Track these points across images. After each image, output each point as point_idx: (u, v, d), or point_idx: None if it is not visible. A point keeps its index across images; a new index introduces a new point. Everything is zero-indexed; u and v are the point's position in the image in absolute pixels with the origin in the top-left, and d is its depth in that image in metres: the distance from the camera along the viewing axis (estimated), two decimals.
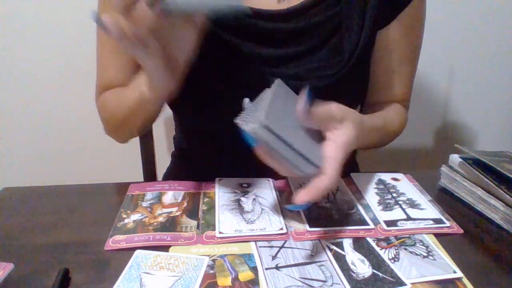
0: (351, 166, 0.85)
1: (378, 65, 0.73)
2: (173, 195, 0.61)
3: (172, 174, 0.86)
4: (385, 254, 0.50)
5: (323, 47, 0.65)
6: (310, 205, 0.47)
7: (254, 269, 0.46)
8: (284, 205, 0.57)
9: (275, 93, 0.51)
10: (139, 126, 0.70)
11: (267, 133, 0.44)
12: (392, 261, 0.49)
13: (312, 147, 0.49)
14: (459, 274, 0.47)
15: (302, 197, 0.46)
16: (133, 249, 0.49)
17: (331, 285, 0.45)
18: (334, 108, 0.50)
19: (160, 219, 0.55)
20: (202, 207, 0.58)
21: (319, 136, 0.50)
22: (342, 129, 0.50)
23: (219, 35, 0.63)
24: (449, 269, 0.48)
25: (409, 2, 0.67)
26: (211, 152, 0.76)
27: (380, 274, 0.46)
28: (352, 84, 0.68)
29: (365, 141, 0.61)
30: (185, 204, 0.58)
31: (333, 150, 0.49)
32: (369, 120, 0.62)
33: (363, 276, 0.46)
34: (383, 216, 0.57)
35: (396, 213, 0.58)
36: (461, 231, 0.55)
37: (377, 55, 0.71)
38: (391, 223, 0.55)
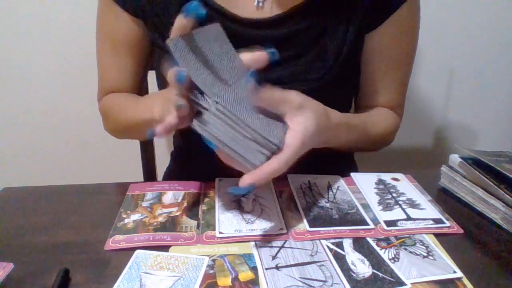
0: (349, 165, 0.85)
1: (366, 69, 0.72)
2: (173, 195, 0.61)
3: (172, 174, 0.86)
4: (385, 254, 0.50)
5: (308, 52, 0.65)
6: (253, 188, 0.46)
7: (254, 269, 0.46)
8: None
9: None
10: (144, 137, 0.72)
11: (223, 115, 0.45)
12: (392, 261, 0.49)
13: (270, 127, 0.48)
14: (459, 274, 0.47)
15: (246, 179, 0.45)
16: (133, 249, 0.49)
17: (331, 285, 0.45)
18: (292, 93, 0.50)
19: (160, 219, 0.55)
20: (202, 207, 0.58)
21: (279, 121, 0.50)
22: (301, 117, 0.50)
23: None
24: (449, 269, 0.48)
25: (398, 7, 0.66)
26: (211, 152, 0.76)
27: (380, 274, 0.46)
28: (338, 89, 0.68)
29: (335, 136, 0.59)
30: (185, 204, 0.58)
31: (289, 137, 0.48)
32: (340, 115, 0.60)
33: (363, 276, 0.46)
34: (383, 216, 0.57)
35: (396, 213, 0.58)
36: (461, 231, 0.56)
37: (365, 58, 0.71)
38: (391, 223, 0.55)
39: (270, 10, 0.65)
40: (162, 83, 0.74)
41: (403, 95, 0.77)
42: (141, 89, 0.79)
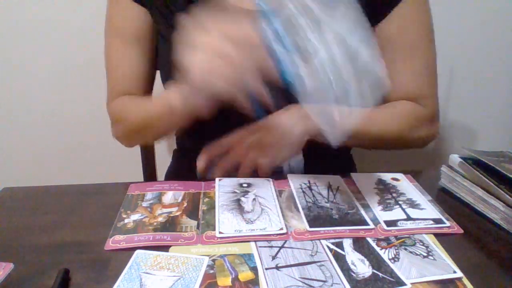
0: (348, 165, 0.85)
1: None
2: (173, 195, 0.61)
3: (174, 172, 0.87)
4: (385, 254, 0.50)
5: None
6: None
7: (254, 269, 0.46)
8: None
9: None
10: (158, 135, 0.72)
11: None
12: (392, 261, 0.49)
13: None
14: (459, 274, 0.47)
15: None
16: (133, 249, 0.49)
17: (331, 285, 0.45)
18: None
19: (160, 219, 0.55)
20: (202, 207, 0.58)
21: None
22: None
23: None
24: (449, 269, 0.48)
25: (397, 4, 0.67)
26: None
27: (380, 274, 0.46)
28: None
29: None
30: (185, 204, 0.58)
31: None
32: None
33: (363, 276, 0.46)
34: (383, 216, 0.57)
35: (396, 213, 0.58)
36: (461, 231, 0.55)
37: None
38: (391, 223, 0.55)
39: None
40: (167, 79, 0.73)
41: (428, 85, 0.73)
42: (151, 91, 0.78)
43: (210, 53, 0.47)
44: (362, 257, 0.49)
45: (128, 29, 0.70)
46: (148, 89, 0.76)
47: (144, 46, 0.72)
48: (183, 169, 0.85)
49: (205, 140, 0.76)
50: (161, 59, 0.73)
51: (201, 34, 0.47)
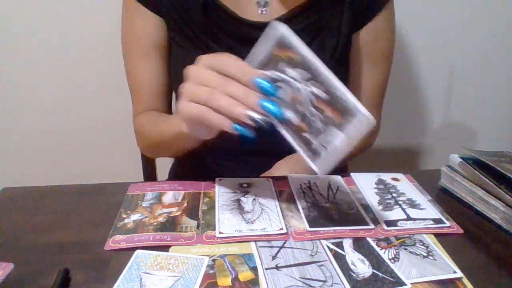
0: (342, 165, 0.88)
1: (351, 69, 0.78)
2: (173, 195, 0.61)
3: (178, 169, 0.88)
4: (385, 254, 0.50)
5: (310, 46, 0.69)
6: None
7: (254, 269, 0.46)
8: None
9: None
10: (174, 153, 0.77)
11: None
12: (392, 261, 0.49)
13: None
14: (459, 274, 0.47)
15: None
16: (133, 249, 0.49)
17: (331, 285, 0.45)
18: None
19: (160, 219, 0.55)
20: (202, 207, 0.58)
21: None
22: None
23: (223, 41, 0.69)
24: (449, 269, 0.48)
25: (380, 11, 0.72)
26: (215, 150, 0.77)
27: (380, 274, 0.46)
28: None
29: None
30: (185, 204, 0.58)
31: None
32: None
33: (363, 276, 0.46)
34: (383, 216, 0.57)
35: (396, 213, 0.58)
36: (461, 231, 0.56)
37: (351, 58, 0.77)
38: (391, 223, 0.55)
39: (270, 15, 0.69)
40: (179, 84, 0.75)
41: (380, 96, 0.81)
42: (171, 99, 0.80)
43: (194, 81, 0.49)
44: (362, 257, 0.49)
45: (147, 38, 0.71)
46: (169, 98, 0.78)
47: (162, 55, 0.73)
48: (186, 168, 0.86)
49: (207, 140, 0.77)
50: (174, 65, 0.74)
51: (193, 65, 0.49)
